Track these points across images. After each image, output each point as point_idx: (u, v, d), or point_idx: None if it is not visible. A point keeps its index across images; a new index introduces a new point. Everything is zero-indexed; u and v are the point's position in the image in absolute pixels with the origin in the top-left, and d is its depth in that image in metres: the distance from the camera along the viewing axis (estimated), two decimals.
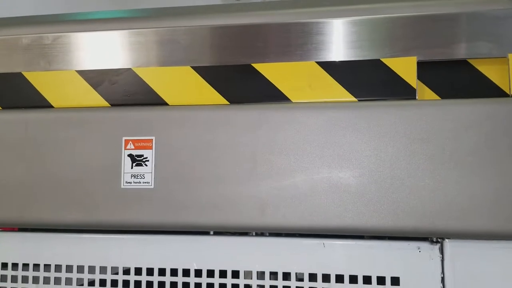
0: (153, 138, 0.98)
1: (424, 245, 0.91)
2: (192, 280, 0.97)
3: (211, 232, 1.00)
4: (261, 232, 1.01)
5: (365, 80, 0.96)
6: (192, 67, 1.01)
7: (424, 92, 0.96)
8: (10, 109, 1.05)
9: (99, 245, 1.01)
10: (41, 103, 1.04)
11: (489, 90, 0.94)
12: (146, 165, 0.97)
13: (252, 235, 1.00)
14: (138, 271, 0.99)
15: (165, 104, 1.01)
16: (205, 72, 1.00)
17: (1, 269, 1.04)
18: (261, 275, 0.96)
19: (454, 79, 0.96)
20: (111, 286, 0.99)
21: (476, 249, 0.90)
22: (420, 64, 0.94)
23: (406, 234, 0.91)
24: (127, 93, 1.02)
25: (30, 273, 1.03)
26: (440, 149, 0.90)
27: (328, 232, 0.92)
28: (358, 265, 0.92)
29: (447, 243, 0.91)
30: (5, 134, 1.03)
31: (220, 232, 1.00)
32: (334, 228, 0.91)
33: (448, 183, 0.89)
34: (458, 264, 0.89)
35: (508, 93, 0.92)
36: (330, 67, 0.97)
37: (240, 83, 0.99)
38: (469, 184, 0.88)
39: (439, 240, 0.91)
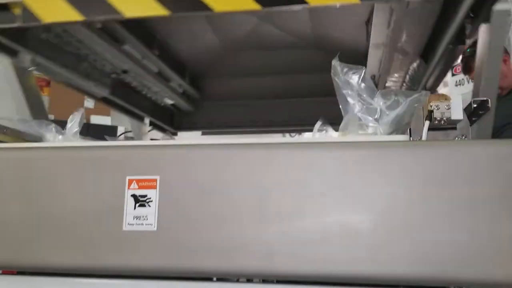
0: (158, 177, 0.94)
1: None
2: None
3: (214, 278, 0.95)
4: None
5: None
6: None
7: None
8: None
9: None
10: None
11: None
12: (150, 206, 0.93)
13: (259, 283, 0.95)
14: None
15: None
16: None
17: None
18: None
19: None
20: None
21: None
22: None
23: (422, 283, 0.85)
24: None
25: None
26: (457, 192, 0.85)
27: (340, 280, 0.87)
28: None
29: None
30: (5, 173, 0.99)
31: (225, 278, 0.95)
32: (346, 276, 0.86)
33: (466, 228, 0.84)
34: None
35: None
36: None
37: None
38: (489, 230, 0.83)
39: None
